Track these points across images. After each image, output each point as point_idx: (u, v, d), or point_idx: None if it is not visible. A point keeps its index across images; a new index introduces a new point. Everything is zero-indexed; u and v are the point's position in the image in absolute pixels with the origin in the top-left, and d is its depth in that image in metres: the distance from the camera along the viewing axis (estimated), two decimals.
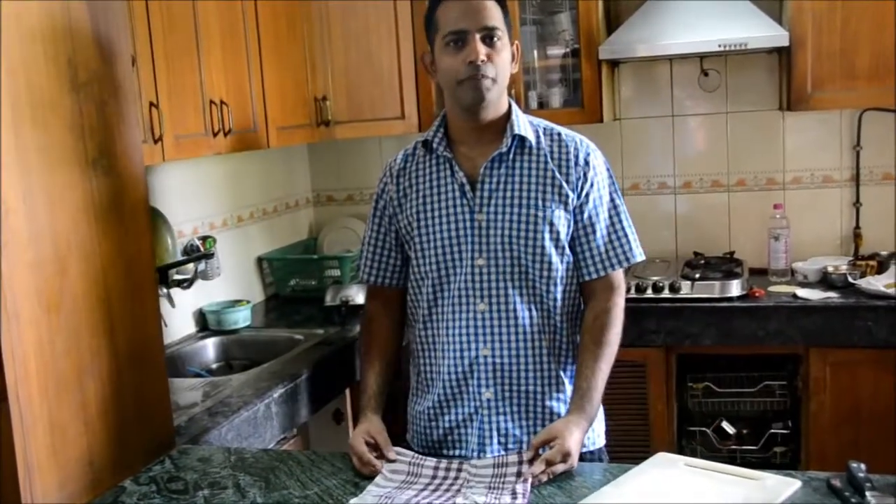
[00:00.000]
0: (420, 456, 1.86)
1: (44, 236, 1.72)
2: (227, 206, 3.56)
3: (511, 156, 1.96)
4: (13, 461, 1.63)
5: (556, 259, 1.96)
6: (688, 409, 3.42)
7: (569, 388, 1.99)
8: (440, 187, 1.99)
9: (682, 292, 3.30)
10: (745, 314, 3.21)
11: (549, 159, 1.97)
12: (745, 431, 3.39)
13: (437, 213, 1.98)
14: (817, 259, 3.55)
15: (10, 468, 1.64)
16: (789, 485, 1.58)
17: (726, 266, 3.52)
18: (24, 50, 1.69)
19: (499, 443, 1.98)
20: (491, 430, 1.97)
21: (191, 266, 3.02)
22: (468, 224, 1.96)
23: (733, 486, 1.61)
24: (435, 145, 2.00)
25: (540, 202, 1.94)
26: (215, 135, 2.80)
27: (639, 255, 2.04)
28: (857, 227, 3.65)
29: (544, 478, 1.70)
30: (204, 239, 3.23)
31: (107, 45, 1.89)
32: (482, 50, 1.87)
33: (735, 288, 3.29)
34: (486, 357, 1.96)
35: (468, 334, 1.96)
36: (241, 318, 3.30)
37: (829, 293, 3.24)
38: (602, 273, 2.00)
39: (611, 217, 2.01)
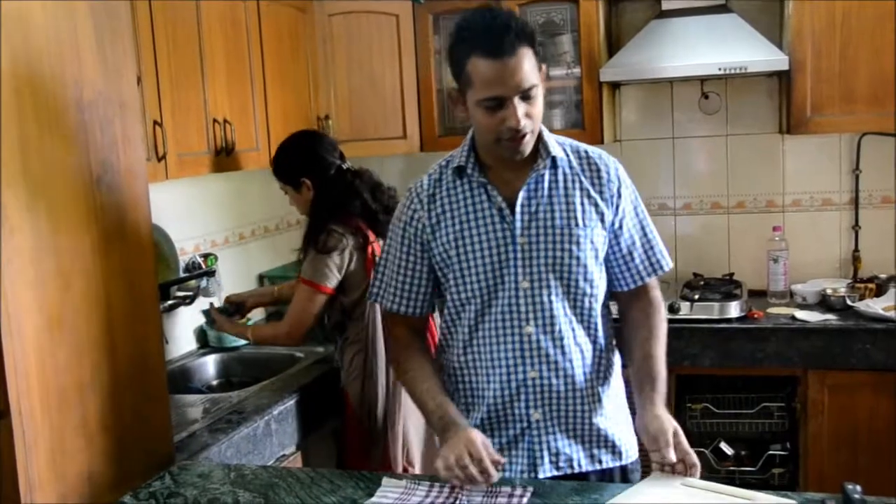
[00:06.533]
0: (414, 483, 1.85)
1: (47, 252, 1.74)
2: (228, 224, 3.58)
3: (546, 176, 1.95)
4: (14, 475, 1.64)
5: (598, 276, 1.96)
6: (686, 430, 3.39)
7: (606, 403, 1.99)
8: (477, 213, 1.95)
9: (681, 313, 3.31)
10: (743, 335, 3.22)
11: (581, 177, 1.97)
12: (743, 452, 3.39)
13: (476, 239, 1.94)
14: (816, 281, 3.57)
15: (10, 482, 1.65)
16: None
17: (725, 287, 3.53)
18: (31, 69, 1.71)
19: (550, 462, 1.95)
20: (542, 450, 1.95)
21: (192, 283, 3.04)
22: (510, 248, 1.92)
23: None
24: (469, 171, 1.96)
25: (581, 221, 1.93)
26: (218, 153, 2.82)
27: (670, 263, 2.06)
28: (856, 249, 3.67)
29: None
30: (206, 256, 3.24)
31: (112, 65, 1.91)
32: (521, 111, 1.81)
33: (734, 309, 3.30)
34: (533, 379, 1.93)
35: (514, 357, 1.93)
36: None
37: (828, 315, 3.25)
38: (639, 283, 2.03)
39: (643, 227, 2.03)
